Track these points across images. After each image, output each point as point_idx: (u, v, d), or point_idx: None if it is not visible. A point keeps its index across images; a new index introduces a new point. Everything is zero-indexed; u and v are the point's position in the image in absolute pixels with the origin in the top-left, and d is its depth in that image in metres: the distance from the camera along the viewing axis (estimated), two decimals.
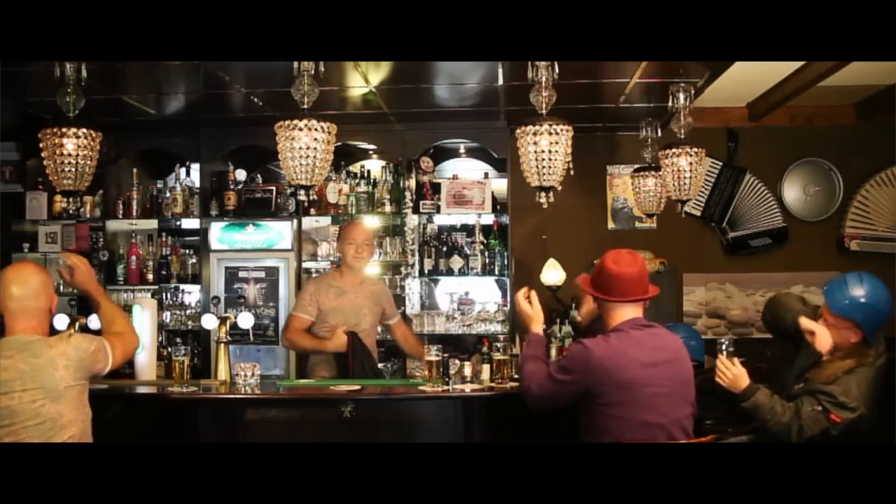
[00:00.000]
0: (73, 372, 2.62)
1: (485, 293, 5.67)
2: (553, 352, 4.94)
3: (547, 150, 3.33)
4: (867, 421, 3.03)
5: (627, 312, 2.93)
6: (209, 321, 3.94)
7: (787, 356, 3.34)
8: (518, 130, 3.41)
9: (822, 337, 3.06)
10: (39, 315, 2.70)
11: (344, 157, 5.61)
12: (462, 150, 5.98)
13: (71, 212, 5.43)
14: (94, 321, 3.91)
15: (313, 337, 4.14)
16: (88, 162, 3.43)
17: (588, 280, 3.06)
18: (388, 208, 5.51)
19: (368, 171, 5.63)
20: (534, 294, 3.25)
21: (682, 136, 4.17)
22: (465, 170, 5.94)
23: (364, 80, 4.39)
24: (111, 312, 2.99)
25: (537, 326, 3.18)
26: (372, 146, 5.74)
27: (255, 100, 4.74)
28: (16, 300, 2.65)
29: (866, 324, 3.06)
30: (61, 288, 4.84)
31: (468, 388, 3.54)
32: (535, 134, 3.34)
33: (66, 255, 3.11)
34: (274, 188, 5.57)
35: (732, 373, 3.10)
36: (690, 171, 4.19)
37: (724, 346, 3.16)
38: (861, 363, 3.07)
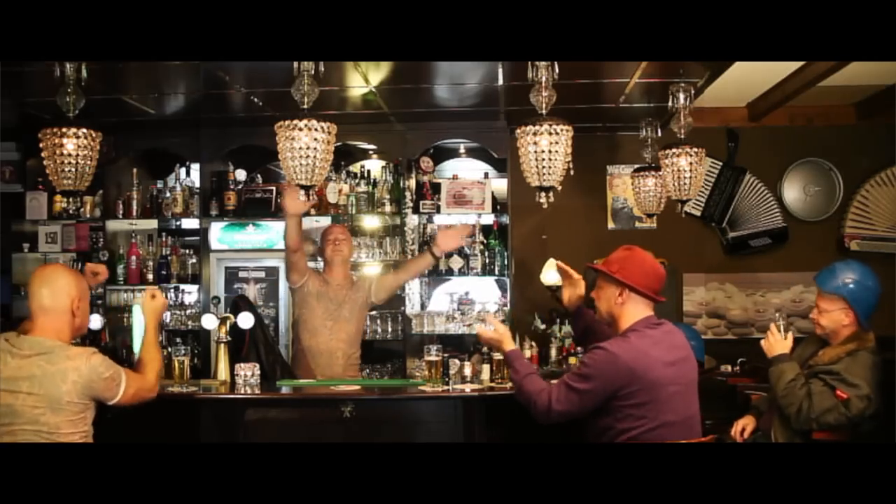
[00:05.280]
0: (80, 389, 2.61)
1: (485, 293, 5.66)
2: (553, 352, 4.96)
3: (547, 150, 3.33)
4: (873, 404, 3.08)
5: (644, 310, 2.90)
6: (209, 321, 3.95)
7: None
8: (518, 130, 3.41)
9: (770, 338, 3.27)
10: (63, 317, 2.70)
11: (344, 157, 5.61)
12: (462, 150, 5.98)
13: (71, 212, 5.42)
14: (93, 321, 3.91)
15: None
16: (88, 162, 3.42)
17: (613, 270, 2.92)
18: (388, 208, 5.51)
19: (368, 171, 5.62)
20: (489, 315, 3.24)
21: (682, 136, 4.17)
22: (465, 170, 5.93)
23: (364, 80, 4.39)
24: (152, 353, 3.01)
25: (510, 344, 3.10)
26: (372, 146, 5.74)
27: (255, 100, 4.74)
28: (41, 298, 2.69)
29: (856, 302, 3.21)
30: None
31: (468, 388, 3.54)
32: (535, 134, 3.34)
33: (150, 289, 3.21)
34: (274, 188, 5.56)
35: (776, 338, 3.25)
36: (690, 171, 4.19)
37: (778, 317, 3.37)
38: (862, 346, 3.18)
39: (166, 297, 5.50)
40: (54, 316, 2.69)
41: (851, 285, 3.23)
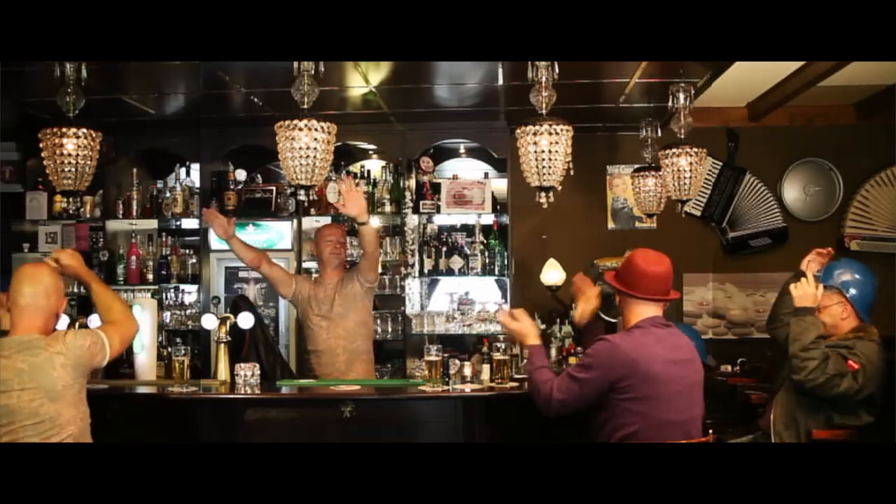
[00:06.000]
0: (72, 370, 2.62)
1: (485, 293, 5.67)
2: (553, 352, 4.95)
3: (547, 150, 3.33)
4: (876, 379, 3.12)
5: (649, 310, 2.91)
6: (209, 321, 3.95)
7: (787, 356, 3.37)
8: (518, 130, 3.41)
9: (804, 286, 3.20)
10: (46, 316, 2.70)
11: (344, 157, 5.62)
12: (462, 150, 5.98)
13: (71, 212, 5.42)
14: (94, 321, 3.91)
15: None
16: (88, 162, 3.42)
17: (612, 276, 3.02)
18: (388, 208, 5.51)
19: (368, 171, 5.63)
20: (519, 311, 3.24)
21: (682, 136, 4.17)
22: (465, 170, 5.94)
23: (364, 80, 4.39)
24: (106, 298, 2.94)
25: (532, 339, 3.12)
26: (372, 146, 5.74)
27: (255, 100, 4.74)
28: (26, 297, 2.67)
29: (850, 292, 3.27)
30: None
31: (468, 388, 3.53)
32: (535, 134, 3.34)
33: (51, 255, 3.06)
34: (274, 188, 5.57)
35: (809, 289, 3.19)
36: (690, 171, 4.19)
37: (814, 267, 3.36)
38: (868, 337, 3.22)
39: (166, 297, 5.55)
40: (41, 314, 2.69)
41: (845, 278, 3.30)
